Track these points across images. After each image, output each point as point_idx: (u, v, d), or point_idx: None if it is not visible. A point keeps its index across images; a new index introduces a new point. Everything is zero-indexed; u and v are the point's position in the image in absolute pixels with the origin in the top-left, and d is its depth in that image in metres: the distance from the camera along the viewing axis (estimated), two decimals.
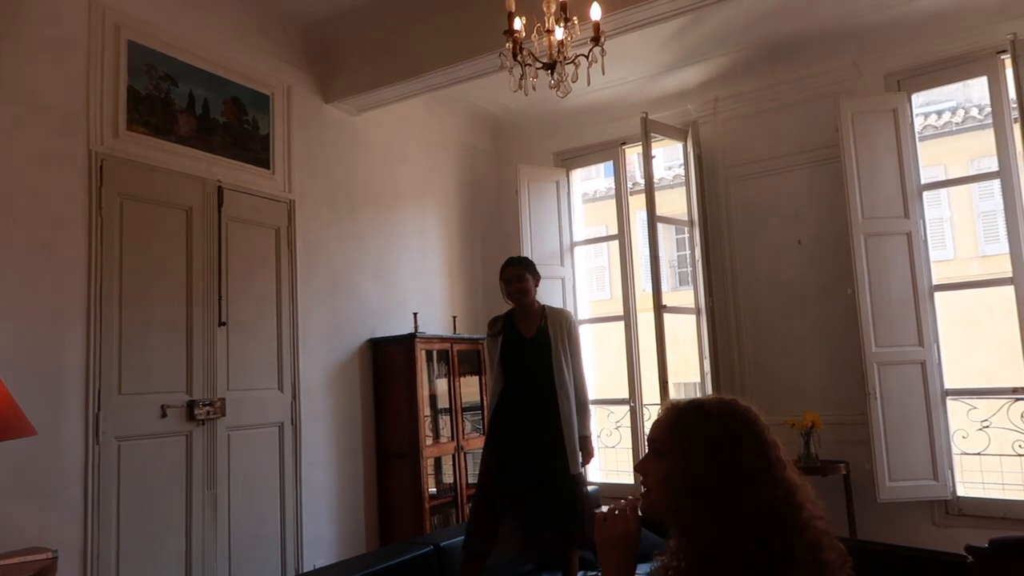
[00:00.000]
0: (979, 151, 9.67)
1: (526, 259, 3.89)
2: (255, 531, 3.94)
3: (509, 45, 2.94)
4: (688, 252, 5.59)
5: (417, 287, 5.22)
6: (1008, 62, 4.20)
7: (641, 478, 1.35)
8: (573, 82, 3.03)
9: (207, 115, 3.93)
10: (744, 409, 1.28)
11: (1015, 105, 4.16)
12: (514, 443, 3.42)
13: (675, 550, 1.23)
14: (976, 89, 9.91)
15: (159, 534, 3.49)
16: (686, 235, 5.34)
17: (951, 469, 4.33)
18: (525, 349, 3.56)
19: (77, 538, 3.18)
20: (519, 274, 3.64)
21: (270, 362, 4.15)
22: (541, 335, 3.57)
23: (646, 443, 1.36)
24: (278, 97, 4.35)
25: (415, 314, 4.87)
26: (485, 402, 5.21)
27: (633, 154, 5.87)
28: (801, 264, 4.88)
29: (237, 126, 4.10)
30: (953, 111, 10.11)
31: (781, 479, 1.21)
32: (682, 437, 1.26)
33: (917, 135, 4.64)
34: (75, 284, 3.29)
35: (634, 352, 5.43)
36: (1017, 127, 4.14)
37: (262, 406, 4.07)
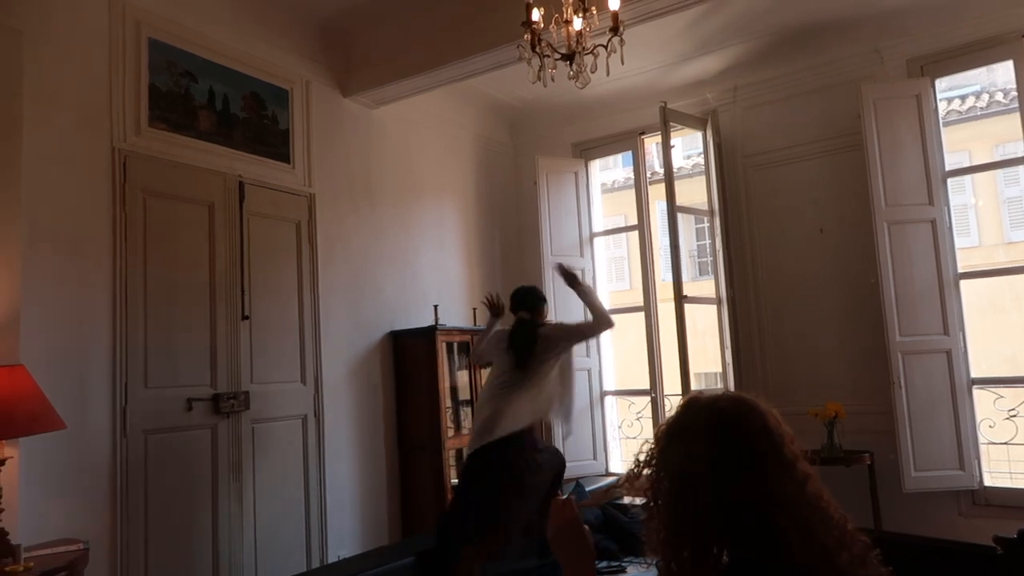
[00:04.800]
0: (1004, 136, 9.50)
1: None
2: (280, 522, 3.99)
3: (527, 36, 2.93)
4: (708, 241, 5.55)
5: (436, 279, 5.23)
6: None
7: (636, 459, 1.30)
8: (592, 73, 3.02)
9: (227, 110, 3.96)
10: (752, 404, 1.24)
11: None
12: None
13: (663, 546, 1.19)
14: (1001, 73, 9.73)
15: (186, 525, 3.54)
16: (705, 224, 5.31)
17: (977, 459, 4.28)
18: None
19: (106, 529, 3.23)
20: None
21: (292, 355, 4.19)
22: None
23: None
24: (297, 91, 4.37)
25: (435, 306, 4.89)
26: None
27: (652, 144, 5.84)
28: (823, 253, 4.84)
29: (257, 121, 4.12)
30: (977, 95, 9.93)
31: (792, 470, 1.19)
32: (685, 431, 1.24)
33: (941, 120, 4.57)
34: (101, 280, 3.33)
35: (655, 342, 5.42)
36: None
37: (285, 399, 4.11)
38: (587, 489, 4.37)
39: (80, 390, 3.21)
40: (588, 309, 3.76)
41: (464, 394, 5.00)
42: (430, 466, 4.64)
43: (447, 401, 4.78)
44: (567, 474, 3.81)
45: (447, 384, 4.81)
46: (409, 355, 4.80)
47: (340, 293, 4.52)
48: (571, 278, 3.74)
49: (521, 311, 3.66)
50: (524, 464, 3.32)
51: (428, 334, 4.73)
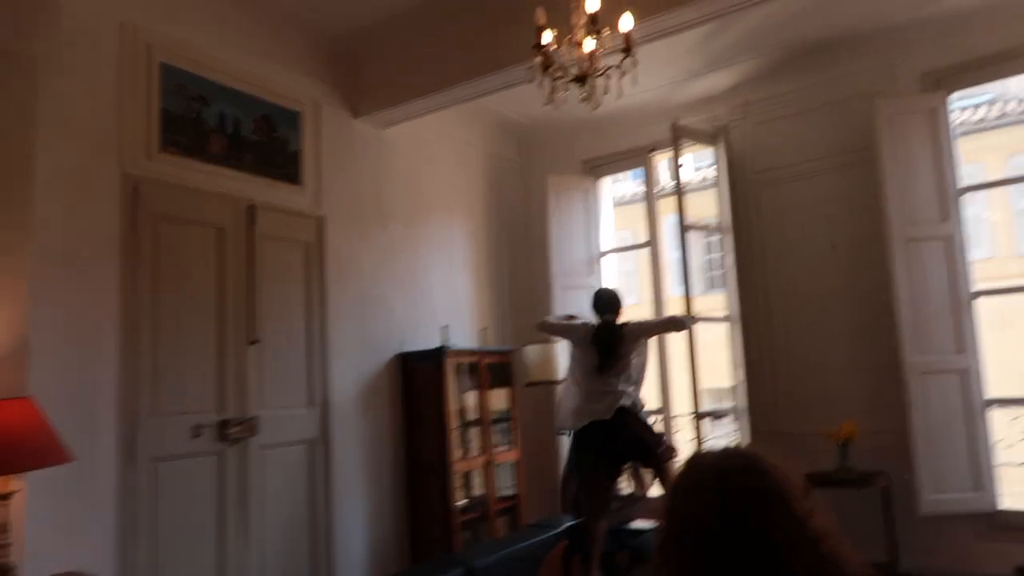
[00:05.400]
0: (1018, 146, 9.44)
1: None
2: (287, 549, 3.95)
3: (539, 59, 2.91)
4: (717, 255, 5.51)
5: (446, 299, 5.20)
6: None
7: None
8: (604, 94, 2.99)
9: (238, 133, 3.95)
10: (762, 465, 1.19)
11: None
12: None
13: None
14: (1015, 81, 9.68)
15: (193, 555, 3.50)
16: (714, 238, 5.27)
17: (993, 481, 4.21)
18: None
19: (112, 561, 3.19)
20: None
21: (300, 379, 4.16)
22: None
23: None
24: (307, 113, 4.36)
25: (444, 327, 4.86)
26: (514, 414, 5.20)
27: (662, 160, 5.81)
28: (835, 270, 4.79)
29: (267, 143, 4.11)
30: (991, 104, 9.87)
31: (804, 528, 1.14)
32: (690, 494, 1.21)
33: (954, 134, 4.53)
34: (109, 306, 3.31)
35: (666, 360, 5.37)
36: None
37: (293, 423, 4.08)
38: None
39: (88, 419, 3.18)
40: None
41: (472, 415, 4.96)
42: (438, 490, 4.59)
43: (455, 422, 4.74)
44: None
45: (455, 406, 4.77)
46: (418, 377, 4.76)
47: (349, 315, 4.49)
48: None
49: (607, 314, 4.21)
50: (626, 437, 3.98)
51: (436, 356, 4.69)
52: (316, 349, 4.25)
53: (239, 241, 3.88)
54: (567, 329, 4.33)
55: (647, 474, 4.19)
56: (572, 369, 4.28)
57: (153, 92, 3.56)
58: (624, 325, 4.17)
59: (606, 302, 4.27)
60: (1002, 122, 9.63)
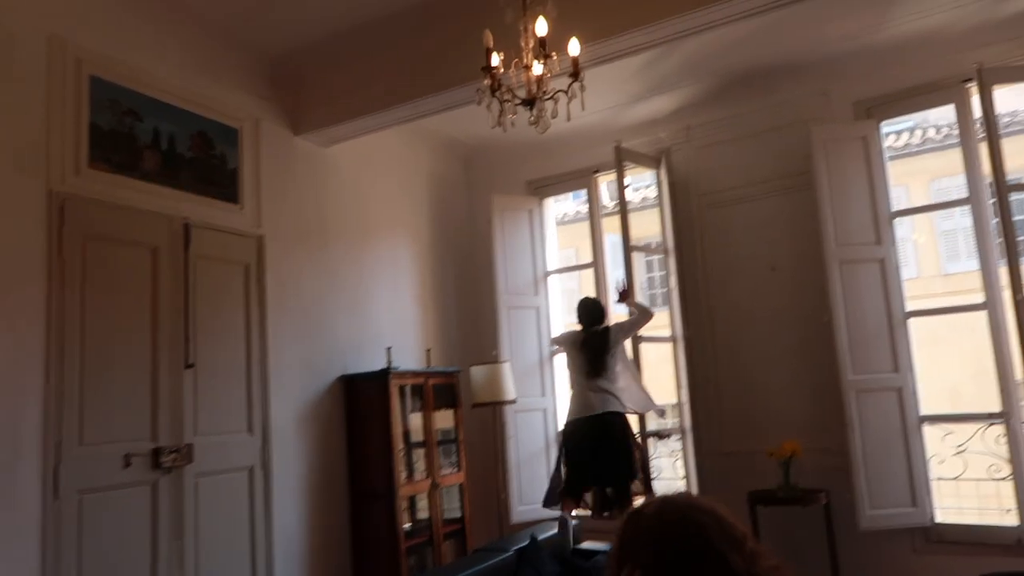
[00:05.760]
0: (939, 171, 9.88)
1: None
2: None
3: (487, 81, 2.89)
4: (658, 274, 5.57)
5: (390, 320, 5.11)
6: (974, 90, 4.26)
7: None
8: (553, 118, 2.98)
9: (173, 150, 3.81)
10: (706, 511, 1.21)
11: (982, 132, 4.21)
12: None
13: None
14: (932, 111, 10.14)
15: None
16: (656, 258, 5.34)
17: (929, 495, 4.34)
18: None
19: None
20: None
21: (239, 404, 4.01)
22: None
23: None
24: (246, 130, 4.25)
25: (388, 348, 4.77)
26: (460, 436, 5.13)
27: (604, 181, 5.86)
28: (777, 291, 4.89)
29: (204, 161, 3.98)
30: (911, 132, 10.32)
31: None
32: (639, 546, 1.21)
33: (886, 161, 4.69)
34: (34, 331, 3.13)
35: None
36: (984, 153, 4.17)
37: (231, 450, 3.92)
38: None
39: (10, 450, 2.99)
40: (635, 310, 4.64)
41: (417, 437, 4.87)
42: (384, 515, 4.47)
43: (400, 445, 4.64)
44: None
45: (400, 429, 4.67)
46: (362, 399, 4.66)
47: (290, 337, 4.37)
48: (626, 296, 4.66)
49: (594, 322, 4.56)
50: (608, 445, 4.30)
51: (381, 377, 4.59)
52: (256, 372, 4.12)
53: (174, 261, 3.73)
54: (563, 339, 4.78)
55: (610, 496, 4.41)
56: (570, 374, 4.66)
57: (82, 106, 3.41)
58: (608, 330, 4.55)
59: (591, 311, 4.61)
60: (924, 148, 10.08)
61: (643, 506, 1.26)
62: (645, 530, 1.20)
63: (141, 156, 3.65)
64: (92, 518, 3.23)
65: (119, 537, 3.33)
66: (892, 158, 9.56)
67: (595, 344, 4.47)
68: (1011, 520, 4.17)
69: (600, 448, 4.30)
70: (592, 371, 4.41)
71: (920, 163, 9.98)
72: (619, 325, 4.69)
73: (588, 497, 4.45)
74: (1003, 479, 4.31)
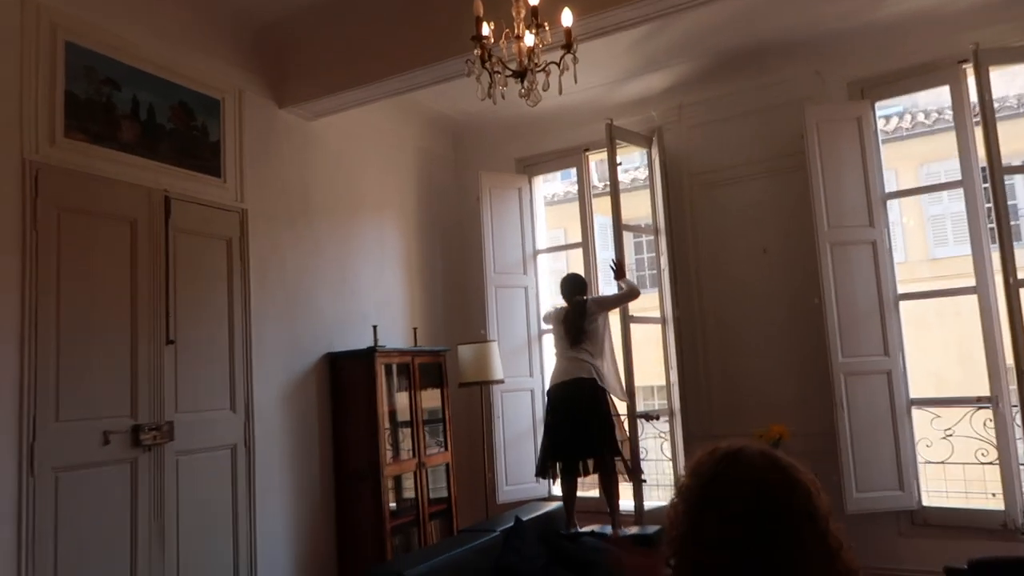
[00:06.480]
0: (928, 156, 9.86)
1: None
2: (206, 561, 3.73)
3: (477, 52, 2.80)
4: (648, 255, 5.53)
5: (376, 298, 5.04)
6: (970, 71, 4.21)
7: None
8: (544, 91, 2.90)
9: (152, 121, 3.70)
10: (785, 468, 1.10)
11: (977, 114, 4.17)
12: None
13: None
14: (922, 94, 10.11)
15: (101, 571, 3.25)
16: (647, 238, 5.29)
17: (916, 479, 4.33)
18: None
19: None
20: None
21: (222, 381, 3.94)
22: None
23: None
24: (229, 102, 4.14)
25: (374, 327, 4.70)
26: (447, 415, 5.09)
27: (595, 160, 5.78)
28: (767, 273, 4.85)
29: (185, 132, 3.87)
30: (900, 116, 10.28)
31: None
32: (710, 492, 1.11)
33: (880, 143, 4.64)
34: (7, 304, 3.04)
35: None
36: (979, 135, 4.13)
37: (213, 428, 3.86)
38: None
39: None
40: (624, 286, 4.67)
41: (403, 416, 4.82)
42: (369, 494, 4.43)
43: (386, 424, 4.59)
44: None
45: (386, 408, 4.62)
46: (347, 378, 4.59)
47: (274, 314, 4.29)
48: (619, 272, 4.69)
49: (574, 295, 4.63)
50: (589, 407, 4.38)
51: (367, 356, 4.53)
52: (239, 349, 4.04)
53: (153, 235, 3.64)
54: (551, 315, 4.88)
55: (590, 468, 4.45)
56: (555, 346, 4.72)
57: (57, 73, 3.29)
58: (586, 302, 4.60)
59: (572, 284, 4.71)
60: (914, 132, 10.04)
61: (737, 448, 1.13)
62: (743, 475, 1.08)
63: (119, 126, 3.54)
64: (69, 496, 3.16)
65: (97, 516, 3.26)
66: (883, 142, 9.57)
67: (574, 314, 4.55)
68: (997, 504, 4.18)
69: (575, 412, 4.34)
70: (570, 340, 4.50)
71: (910, 148, 9.95)
72: (599, 297, 4.79)
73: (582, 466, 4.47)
74: (990, 463, 4.31)
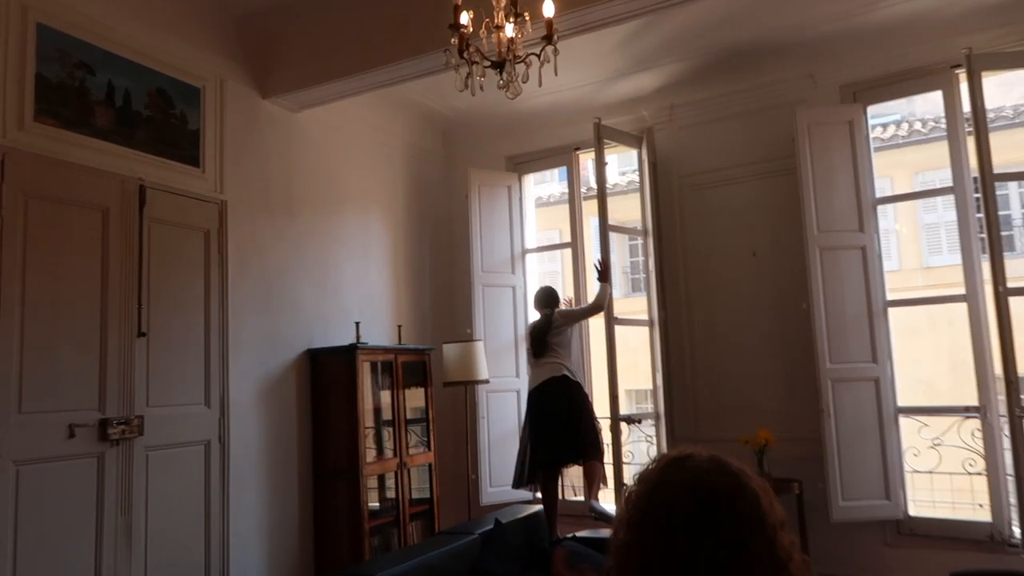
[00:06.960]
0: (924, 165, 9.80)
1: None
2: (176, 560, 3.65)
3: (455, 41, 2.73)
4: (641, 258, 5.46)
5: (360, 295, 4.96)
6: (963, 76, 4.15)
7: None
8: (524, 83, 2.84)
9: (128, 107, 3.62)
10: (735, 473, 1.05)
11: (969, 120, 4.09)
12: None
13: None
14: (920, 103, 10.05)
15: (64, 567, 3.17)
16: (639, 242, 5.22)
17: (903, 488, 4.26)
18: None
19: None
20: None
21: (196, 375, 3.86)
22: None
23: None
24: (210, 90, 4.06)
25: (357, 323, 4.62)
26: (431, 415, 5.01)
27: (587, 159, 5.72)
28: (756, 276, 4.78)
29: (162, 120, 3.79)
30: (898, 124, 10.22)
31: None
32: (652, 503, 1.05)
33: (871, 147, 4.57)
34: None
35: (584, 362, 5.26)
36: (971, 141, 4.06)
37: (186, 423, 3.78)
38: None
39: None
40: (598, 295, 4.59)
41: (385, 416, 4.74)
42: (347, 494, 4.35)
43: (368, 421, 4.51)
44: None
45: (368, 406, 4.54)
46: (328, 375, 4.52)
47: (253, 308, 4.21)
48: (604, 273, 4.59)
49: (544, 309, 4.60)
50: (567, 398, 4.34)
51: (349, 353, 4.45)
52: (215, 343, 3.96)
53: (126, 224, 3.56)
54: (528, 329, 4.82)
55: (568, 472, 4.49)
56: (527, 357, 4.76)
57: (27, 56, 3.21)
58: (551, 315, 4.54)
59: (541, 299, 4.67)
60: (910, 140, 9.99)
61: (685, 454, 1.08)
62: (688, 480, 1.03)
63: (92, 112, 3.46)
64: (30, 490, 3.07)
65: (60, 512, 3.18)
66: (878, 149, 9.51)
67: (540, 326, 4.54)
68: (984, 515, 4.11)
69: (561, 415, 4.28)
70: (536, 351, 4.49)
71: (906, 156, 9.88)
72: (566, 310, 4.71)
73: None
74: (977, 474, 4.24)
